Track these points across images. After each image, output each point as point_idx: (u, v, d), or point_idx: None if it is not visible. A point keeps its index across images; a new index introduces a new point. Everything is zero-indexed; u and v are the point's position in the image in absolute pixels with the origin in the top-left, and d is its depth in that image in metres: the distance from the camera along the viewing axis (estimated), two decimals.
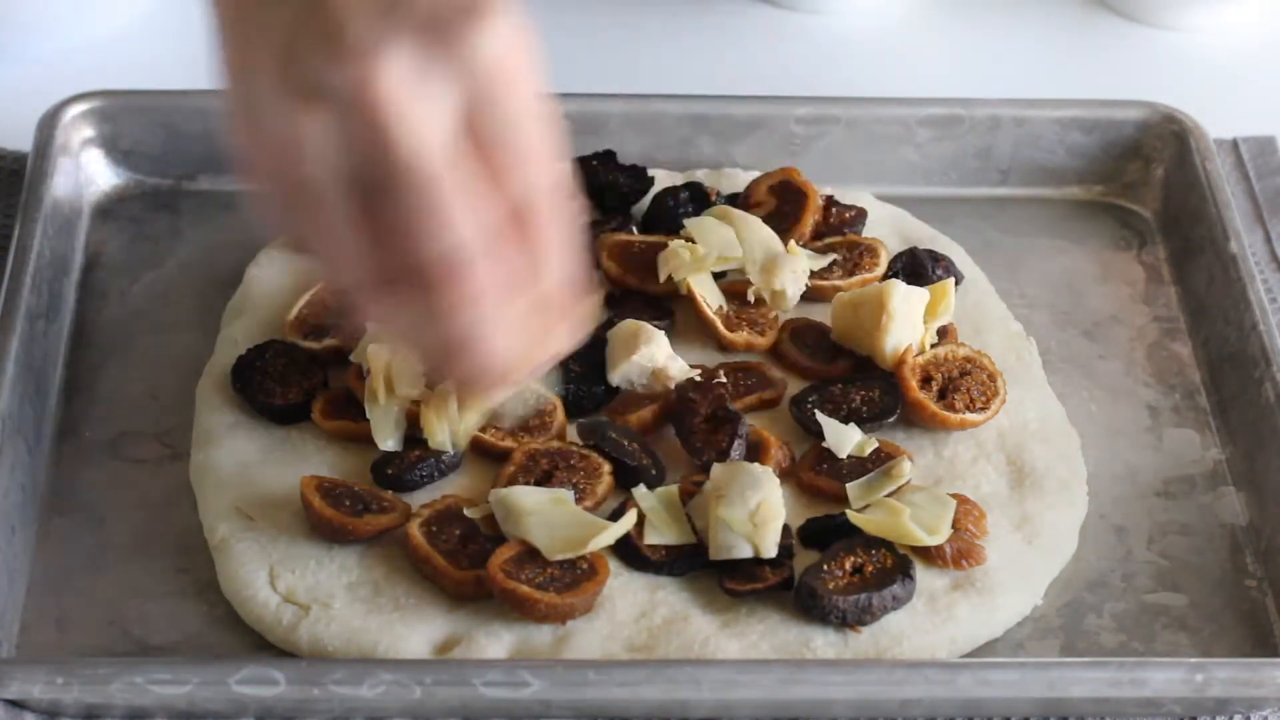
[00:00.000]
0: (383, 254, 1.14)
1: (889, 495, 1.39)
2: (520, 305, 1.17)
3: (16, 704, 1.29)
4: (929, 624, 1.34)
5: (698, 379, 1.45)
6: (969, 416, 1.45)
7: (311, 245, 1.17)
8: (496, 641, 1.32)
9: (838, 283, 1.53)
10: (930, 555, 1.37)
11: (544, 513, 1.35)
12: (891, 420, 1.45)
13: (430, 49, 1.11)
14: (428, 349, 1.20)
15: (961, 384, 1.46)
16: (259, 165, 1.17)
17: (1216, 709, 1.32)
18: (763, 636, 1.33)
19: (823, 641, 1.33)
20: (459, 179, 1.12)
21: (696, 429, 1.42)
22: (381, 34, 1.11)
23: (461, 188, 1.12)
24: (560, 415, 1.43)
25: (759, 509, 1.34)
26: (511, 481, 1.38)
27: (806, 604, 1.33)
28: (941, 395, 1.45)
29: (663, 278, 1.52)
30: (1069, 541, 1.42)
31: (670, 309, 1.52)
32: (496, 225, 1.14)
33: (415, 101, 1.11)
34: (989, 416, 1.45)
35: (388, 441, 1.41)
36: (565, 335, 1.21)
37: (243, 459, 1.43)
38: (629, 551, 1.37)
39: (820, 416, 1.42)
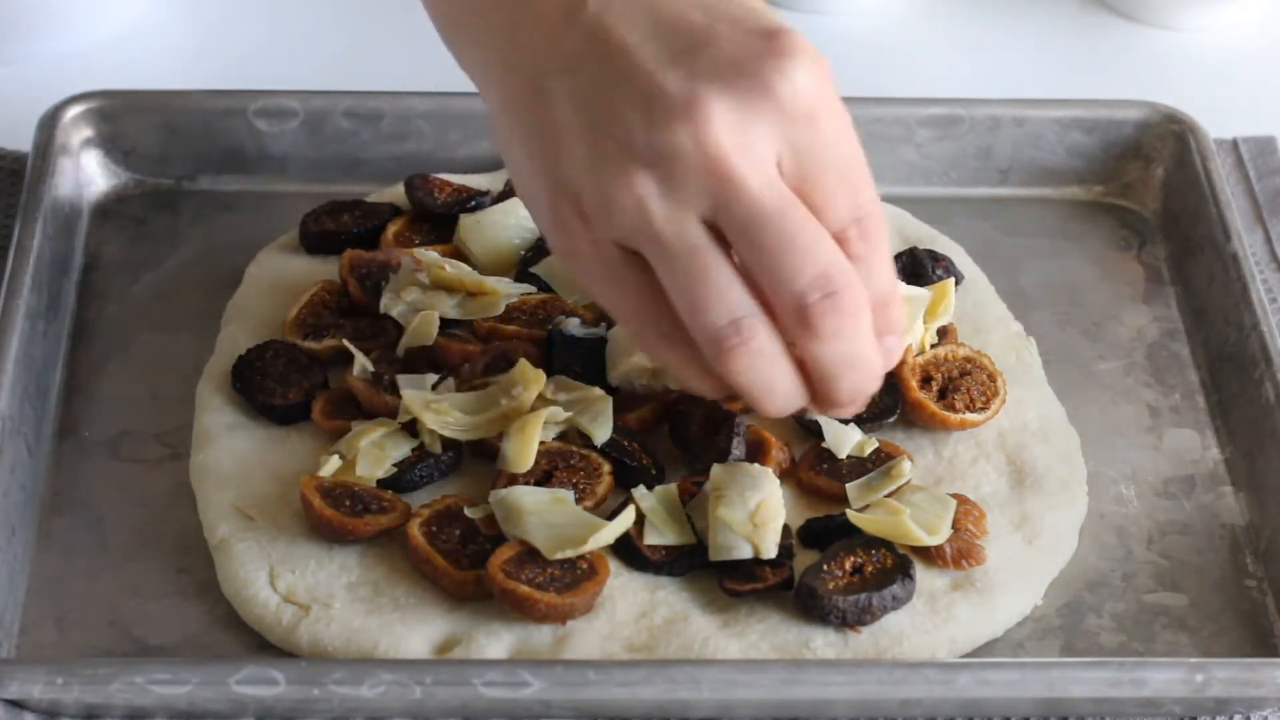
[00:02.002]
0: (750, 294, 1.19)
1: (889, 495, 1.39)
2: (870, 324, 1.22)
3: (16, 704, 1.29)
4: (929, 624, 1.34)
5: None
6: (969, 416, 1.45)
7: (672, 306, 1.21)
8: (496, 641, 1.32)
9: None
10: (930, 555, 1.37)
11: (544, 512, 1.35)
12: (891, 420, 1.45)
13: (746, 92, 1.16)
14: (782, 388, 1.23)
15: (961, 384, 1.46)
16: (586, 238, 1.21)
17: (1216, 709, 1.32)
18: (763, 636, 1.33)
19: (823, 641, 1.33)
20: (805, 212, 1.17)
21: (694, 436, 1.42)
22: (695, 87, 1.15)
23: (810, 219, 1.17)
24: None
25: (758, 509, 1.34)
26: (511, 481, 1.38)
27: (806, 604, 1.33)
28: (941, 395, 1.45)
29: None
30: (1069, 541, 1.42)
31: None
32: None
33: (748, 148, 1.16)
34: (989, 417, 1.45)
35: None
36: (899, 340, 1.27)
37: (243, 459, 1.43)
38: (629, 551, 1.37)
39: (820, 417, 1.42)
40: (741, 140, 1.16)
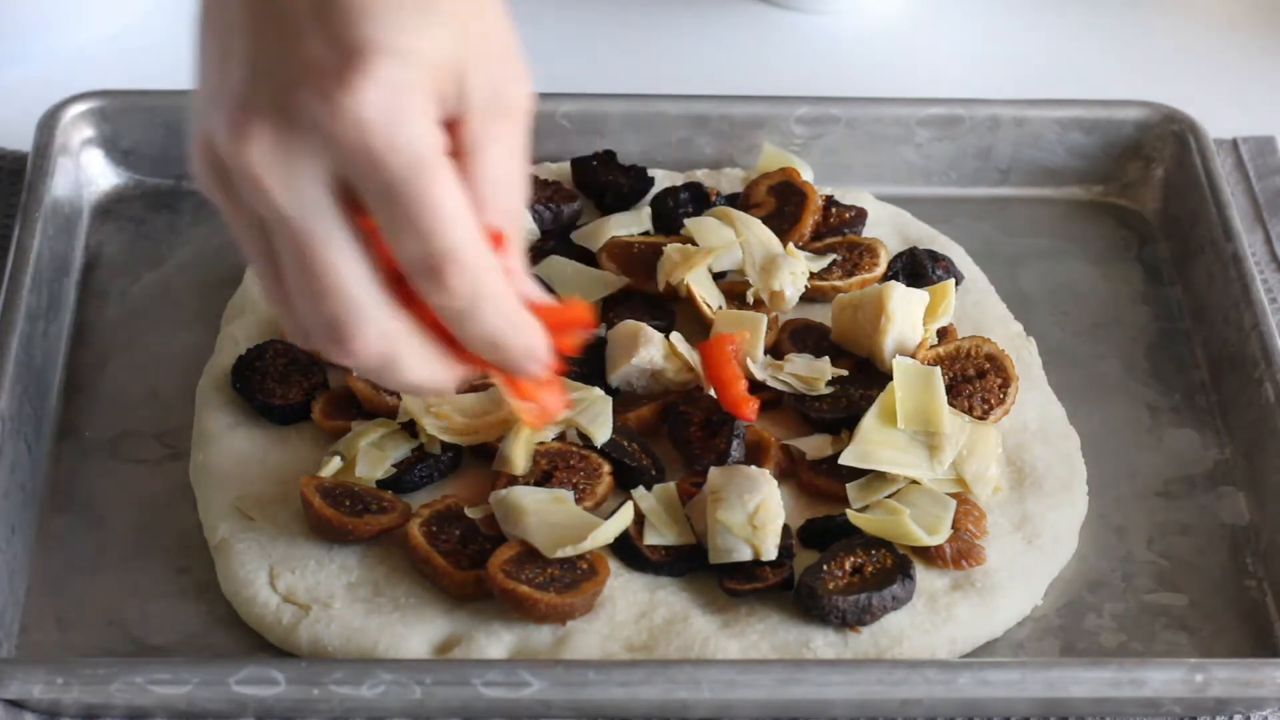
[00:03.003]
0: (294, 315, 1.15)
1: (889, 495, 1.39)
2: (427, 350, 1.16)
3: (16, 704, 1.29)
4: (929, 624, 1.34)
5: (689, 390, 1.45)
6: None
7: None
8: (496, 641, 1.32)
9: (837, 283, 1.53)
10: (930, 555, 1.37)
11: (544, 512, 1.35)
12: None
13: (293, 114, 1.08)
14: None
15: (968, 386, 1.45)
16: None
17: (1216, 709, 1.32)
18: (763, 636, 1.33)
19: (823, 641, 1.33)
20: (333, 248, 1.11)
21: (693, 438, 1.42)
22: (249, 98, 1.10)
23: (335, 256, 1.11)
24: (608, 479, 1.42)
25: (758, 511, 1.34)
26: (511, 482, 1.38)
27: (806, 604, 1.33)
28: (948, 390, 1.44)
29: (661, 285, 1.51)
30: (1069, 541, 1.42)
31: (670, 309, 1.52)
32: (391, 285, 1.13)
33: (284, 172, 1.10)
34: (985, 425, 1.44)
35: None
36: (528, 368, 1.19)
37: (243, 459, 1.43)
38: (629, 551, 1.37)
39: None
40: (277, 162, 1.10)
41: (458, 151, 1.12)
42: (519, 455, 1.38)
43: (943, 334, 1.50)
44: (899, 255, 1.57)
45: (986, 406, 1.44)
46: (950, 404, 1.43)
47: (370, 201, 1.10)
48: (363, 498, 1.38)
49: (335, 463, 1.40)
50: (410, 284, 1.13)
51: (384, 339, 1.14)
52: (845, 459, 1.39)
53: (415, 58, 1.08)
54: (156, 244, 1.63)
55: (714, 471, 1.38)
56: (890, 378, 1.42)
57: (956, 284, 1.54)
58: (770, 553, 1.34)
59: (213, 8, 1.13)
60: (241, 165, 1.10)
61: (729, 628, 1.33)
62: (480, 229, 1.12)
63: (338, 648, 1.32)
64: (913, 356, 1.45)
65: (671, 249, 1.52)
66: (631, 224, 1.57)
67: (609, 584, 1.35)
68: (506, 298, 1.15)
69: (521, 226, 1.19)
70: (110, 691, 1.26)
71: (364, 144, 1.07)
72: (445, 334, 1.17)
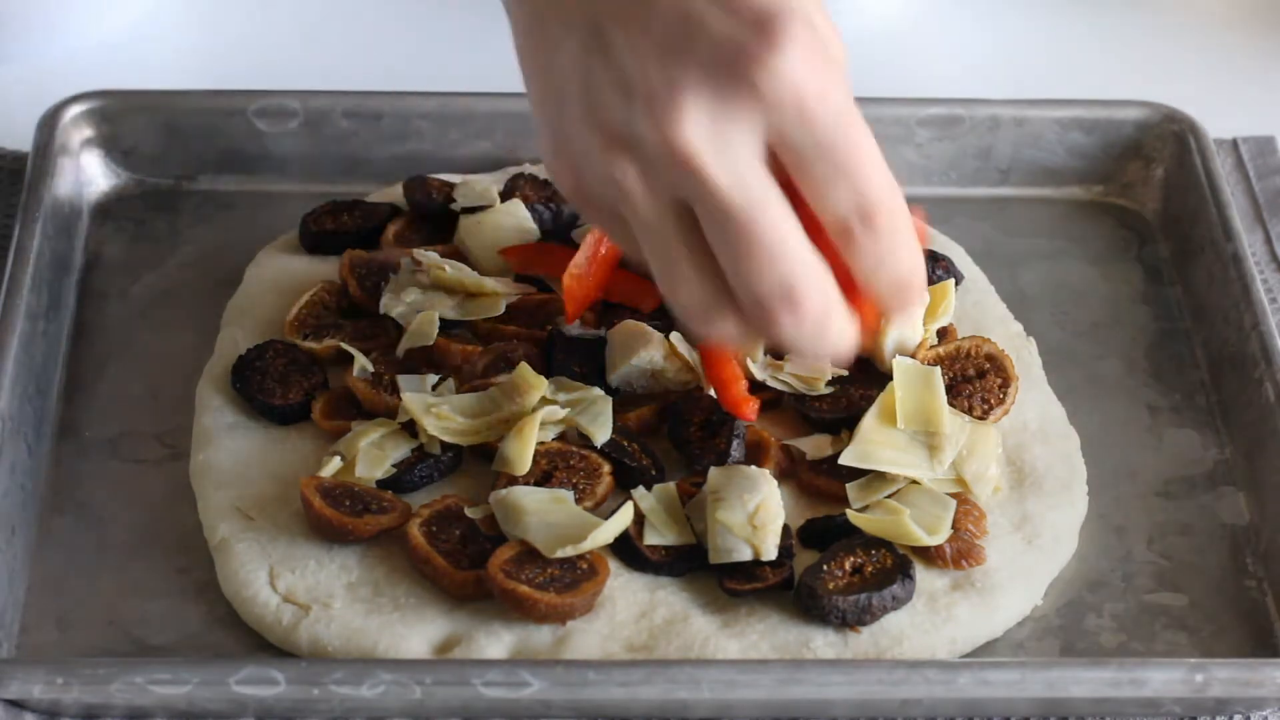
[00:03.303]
0: (717, 283, 1.19)
1: (889, 495, 1.39)
2: (846, 309, 1.21)
3: (16, 704, 1.29)
4: (929, 624, 1.34)
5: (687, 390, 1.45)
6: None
7: (648, 266, 1.22)
8: (496, 641, 1.32)
9: None
10: (930, 555, 1.37)
11: (544, 512, 1.35)
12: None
13: (725, 87, 1.14)
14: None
15: (968, 386, 1.45)
16: (579, 192, 1.22)
17: (1216, 709, 1.32)
18: (763, 636, 1.33)
19: (823, 641, 1.33)
20: (778, 212, 1.16)
21: (693, 438, 1.42)
22: (673, 78, 1.14)
23: (781, 221, 1.16)
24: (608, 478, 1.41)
25: (758, 511, 1.34)
26: (511, 482, 1.38)
27: (806, 604, 1.33)
28: (947, 390, 1.44)
29: None
30: (1069, 541, 1.42)
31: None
32: (828, 243, 1.18)
33: (721, 146, 1.15)
34: (985, 425, 1.44)
35: None
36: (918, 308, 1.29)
37: (242, 459, 1.43)
38: (629, 551, 1.37)
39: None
40: (713, 137, 1.15)
41: None
42: (519, 455, 1.38)
43: (943, 334, 1.50)
44: None
45: (986, 406, 1.44)
46: (950, 404, 1.42)
47: (801, 157, 1.16)
48: (363, 498, 1.38)
49: (335, 463, 1.40)
50: (831, 236, 1.19)
51: (826, 294, 1.19)
52: (845, 459, 1.39)
53: (814, 21, 1.16)
54: (156, 244, 1.63)
55: (714, 471, 1.38)
56: (890, 378, 1.42)
57: (956, 284, 1.54)
58: (770, 553, 1.34)
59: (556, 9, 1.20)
60: (674, 146, 1.15)
61: (729, 628, 1.33)
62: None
63: (338, 648, 1.32)
64: (913, 356, 1.45)
65: None
66: None
67: (609, 584, 1.35)
68: (915, 236, 1.22)
69: None
70: (110, 691, 1.26)
71: (799, 100, 1.14)
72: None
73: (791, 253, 1.17)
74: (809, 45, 1.15)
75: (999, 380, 1.46)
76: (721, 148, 1.16)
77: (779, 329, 1.19)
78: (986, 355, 1.47)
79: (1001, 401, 1.45)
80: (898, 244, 1.20)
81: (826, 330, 1.20)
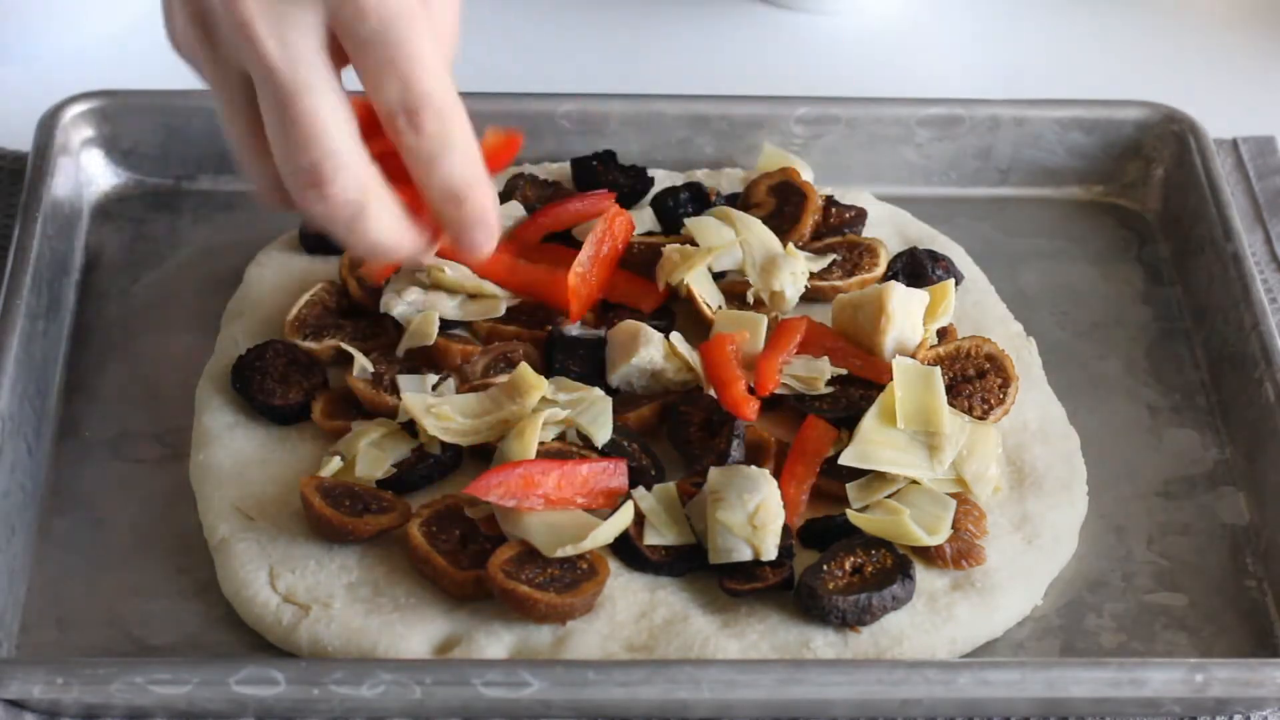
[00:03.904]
0: (272, 160, 1.21)
1: (889, 495, 1.39)
2: (395, 206, 1.22)
3: (16, 704, 1.29)
4: (929, 624, 1.34)
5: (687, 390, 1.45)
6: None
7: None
8: (496, 641, 1.32)
9: (837, 283, 1.53)
10: (930, 555, 1.37)
11: (544, 512, 1.35)
12: None
13: None
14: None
15: (968, 386, 1.45)
16: (181, 53, 1.26)
17: (1216, 709, 1.33)
18: (763, 636, 1.33)
19: (823, 641, 1.33)
20: (324, 97, 1.18)
21: (693, 438, 1.42)
22: None
23: (324, 105, 1.18)
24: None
25: (758, 511, 1.34)
26: None
27: (806, 604, 1.33)
28: (948, 390, 1.44)
29: (661, 285, 1.51)
30: (1069, 541, 1.42)
31: (670, 310, 1.52)
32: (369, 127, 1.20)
33: (277, 20, 1.17)
34: (985, 425, 1.44)
35: None
36: (481, 233, 1.25)
37: (243, 459, 1.43)
38: (629, 551, 1.37)
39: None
40: (271, 10, 1.18)
41: None
42: (520, 456, 1.38)
43: (943, 334, 1.50)
44: (899, 255, 1.57)
45: (986, 406, 1.44)
46: (950, 404, 1.42)
47: (355, 47, 1.19)
48: (363, 498, 1.38)
49: (335, 463, 1.40)
50: (385, 129, 1.20)
51: (359, 186, 1.20)
52: (845, 459, 1.39)
53: None
54: (156, 244, 1.63)
55: (714, 471, 1.38)
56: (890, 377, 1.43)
57: (956, 284, 1.54)
58: (770, 553, 1.34)
59: None
60: (235, 15, 1.18)
61: (729, 628, 1.33)
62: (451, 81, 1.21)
63: (338, 648, 1.32)
64: (913, 356, 1.45)
65: (671, 249, 1.52)
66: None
67: (609, 584, 1.35)
68: (472, 149, 1.22)
69: None
70: (110, 691, 1.26)
71: None
72: (411, 202, 1.24)
73: (325, 136, 1.19)
74: None
75: (999, 380, 1.46)
76: (276, 21, 1.18)
77: (309, 209, 1.21)
78: (986, 355, 1.47)
79: (1001, 401, 1.45)
80: (447, 148, 1.21)
81: (361, 220, 1.21)
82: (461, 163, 1.22)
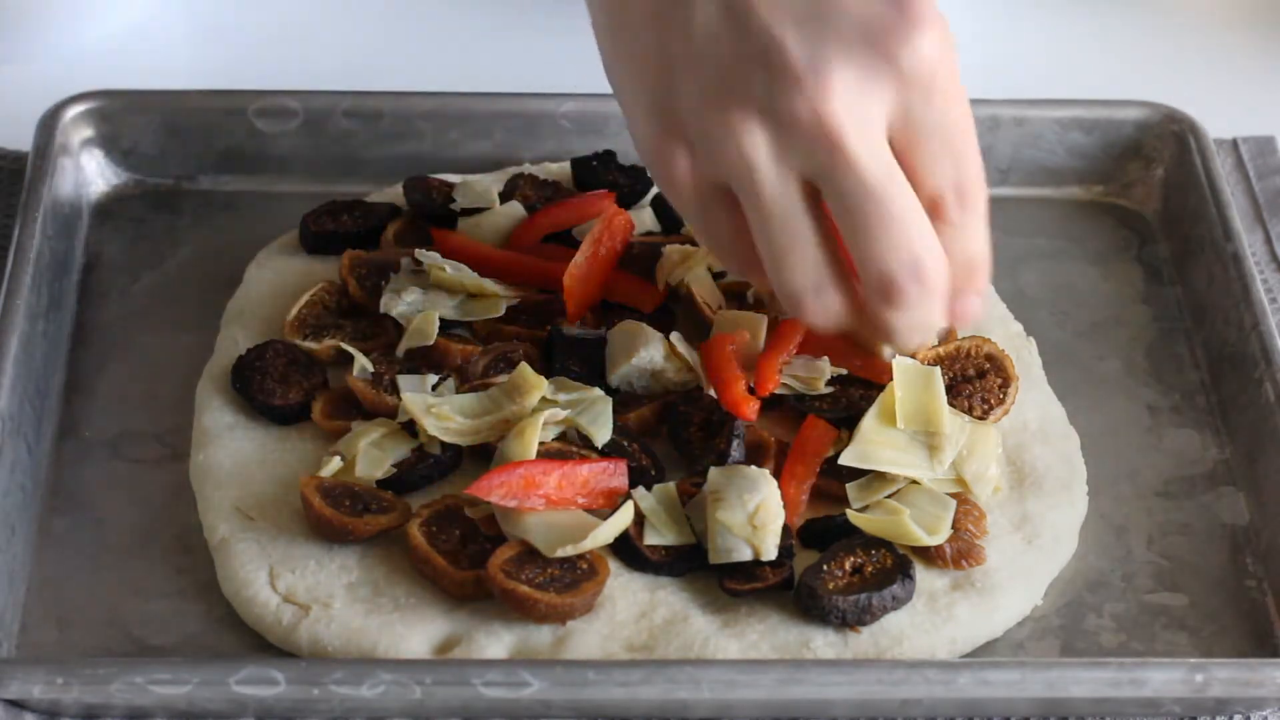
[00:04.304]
0: (833, 264, 1.24)
1: (889, 496, 1.39)
2: (944, 296, 1.27)
3: (16, 704, 1.29)
4: (929, 624, 1.34)
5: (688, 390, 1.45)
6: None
7: (757, 249, 1.26)
8: (496, 641, 1.32)
9: None
10: (930, 555, 1.37)
11: (544, 512, 1.35)
12: None
13: (869, 63, 1.19)
14: (834, 325, 1.30)
15: (968, 386, 1.45)
16: (690, 175, 1.25)
17: (1216, 709, 1.32)
18: (763, 636, 1.33)
19: (823, 641, 1.33)
20: (907, 189, 1.21)
21: (693, 438, 1.42)
22: (822, 52, 1.19)
23: (910, 198, 1.21)
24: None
25: (758, 511, 1.34)
26: None
27: (806, 604, 1.33)
28: (947, 390, 1.44)
29: (661, 285, 1.51)
30: (1069, 541, 1.42)
31: (670, 309, 1.52)
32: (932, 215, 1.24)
33: (861, 120, 1.19)
34: (985, 425, 1.44)
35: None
36: (979, 300, 1.31)
37: (243, 459, 1.43)
38: (629, 551, 1.37)
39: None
40: (858, 111, 1.20)
41: None
42: (520, 456, 1.38)
43: (942, 334, 1.50)
44: None
45: (986, 406, 1.44)
46: (950, 404, 1.42)
47: (919, 134, 1.23)
48: (363, 498, 1.38)
49: (335, 463, 1.40)
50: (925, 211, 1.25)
51: (942, 272, 1.25)
52: (845, 459, 1.39)
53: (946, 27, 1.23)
54: (156, 244, 1.63)
55: (714, 471, 1.38)
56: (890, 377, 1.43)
57: None
58: (770, 553, 1.34)
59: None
60: (823, 120, 1.19)
61: (729, 628, 1.33)
62: None
63: (338, 648, 1.32)
64: (913, 356, 1.45)
65: (671, 249, 1.52)
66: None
67: (609, 584, 1.35)
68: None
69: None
70: (110, 691, 1.26)
71: (932, 78, 1.21)
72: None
73: (922, 229, 1.22)
74: (943, 27, 1.21)
75: (999, 380, 1.46)
76: (861, 122, 1.20)
77: (902, 306, 1.24)
78: (986, 355, 1.47)
79: (1001, 402, 1.45)
80: (980, 225, 1.28)
81: (933, 313, 1.26)
82: (985, 237, 1.29)
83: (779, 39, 1.20)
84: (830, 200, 1.23)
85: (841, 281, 1.26)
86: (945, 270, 1.25)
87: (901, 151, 1.23)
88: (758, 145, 1.22)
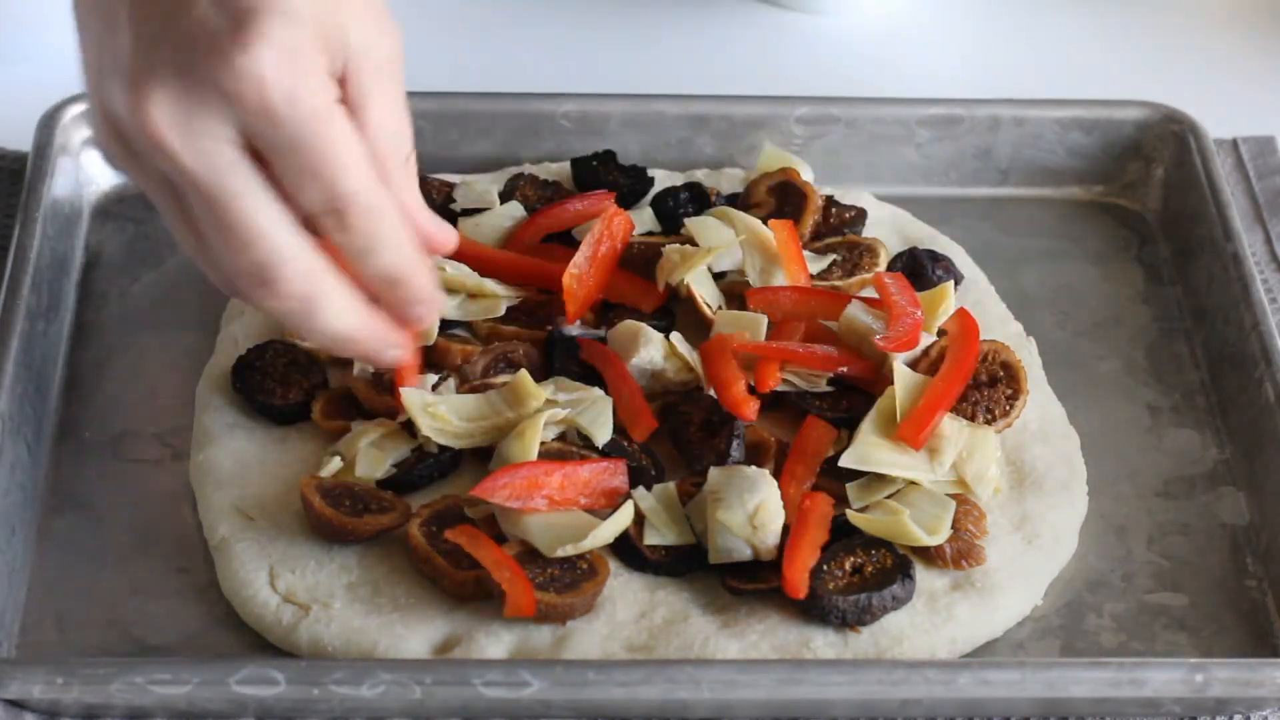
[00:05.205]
0: (215, 265, 1.21)
1: (889, 496, 1.39)
2: (348, 293, 1.22)
3: (16, 704, 1.29)
4: (929, 624, 1.34)
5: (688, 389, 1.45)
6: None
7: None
8: (496, 641, 1.32)
9: (837, 283, 1.53)
10: (930, 555, 1.37)
11: (544, 512, 1.35)
12: None
13: (193, 78, 1.14)
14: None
15: (975, 394, 1.44)
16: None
17: (1216, 709, 1.32)
18: (763, 636, 1.33)
19: (823, 641, 1.33)
20: (253, 199, 1.17)
21: (693, 438, 1.42)
22: (150, 61, 1.15)
23: (255, 206, 1.17)
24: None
25: (758, 511, 1.34)
26: None
27: (806, 604, 1.33)
28: None
29: (661, 285, 1.51)
30: (1069, 541, 1.42)
31: (670, 310, 1.52)
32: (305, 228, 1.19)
33: (189, 131, 1.15)
34: (984, 427, 1.44)
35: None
36: (429, 307, 1.27)
37: (243, 459, 1.43)
38: (629, 551, 1.37)
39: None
40: (181, 122, 1.15)
41: (345, 103, 1.19)
42: (520, 458, 1.38)
43: (942, 334, 1.50)
44: (899, 255, 1.57)
45: (990, 416, 1.43)
46: (954, 410, 1.42)
47: (271, 154, 1.17)
48: (363, 498, 1.38)
49: (335, 463, 1.40)
50: (316, 226, 1.20)
51: (307, 277, 1.20)
52: (845, 461, 1.39)
53: (301, 17, 1.14)
54: (156, 244, 1.63)
55: (714, 471, 1.38)
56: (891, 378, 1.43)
57: (956, 284, 1.54)
58: (770, 553, 1.34)
59: None
60: (143, 130, 1.15)
61: (729, 628, 1.33)
62: (374, 174, 1.19)
63: (338, 648, 1.32)
64: (926, 354, 1.44)
65: (671, 249, 1.52)
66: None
67: (609, 584, 1.35)
68: (403, 238, 1.23)
69: (412, 166, 1.26)
70: (110, 691, 1.26)
71: (264, 101, 1.14)
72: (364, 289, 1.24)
73: (265, 237, 1.18)
74: (283, 45, 1.14)
75: (1009, 391, 1.45)
76: (189, 133, 1.16)
77: (263, 307, 1.21)
78: (1002, 363, 1.46)
79: (1006, 414, 1.44)
80: (378, 242, 1.21)
81: (317, 313, 1.21)
82: (394, 253, 1.23)
83: (125, 42, 1.16)
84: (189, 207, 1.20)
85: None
86: (307, 277, 1.20)
87: (269, 165, 1.19)
88: (115, 147, 1.20)
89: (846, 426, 1.42)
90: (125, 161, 1.21)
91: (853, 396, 1.44)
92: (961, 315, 1.46)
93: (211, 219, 1.18)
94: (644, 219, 1.59)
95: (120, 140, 1.19)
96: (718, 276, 1.53)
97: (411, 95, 1.67)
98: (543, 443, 1.40)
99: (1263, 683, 1.29)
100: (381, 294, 1.25)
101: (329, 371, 1.48)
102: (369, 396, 1.44)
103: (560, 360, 1.46)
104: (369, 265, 1.22)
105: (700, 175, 1.65)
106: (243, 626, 1.35)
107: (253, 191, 1.17)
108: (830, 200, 1.60)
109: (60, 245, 1.57)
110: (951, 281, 1.51)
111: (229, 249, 1.19)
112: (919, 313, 1.44)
